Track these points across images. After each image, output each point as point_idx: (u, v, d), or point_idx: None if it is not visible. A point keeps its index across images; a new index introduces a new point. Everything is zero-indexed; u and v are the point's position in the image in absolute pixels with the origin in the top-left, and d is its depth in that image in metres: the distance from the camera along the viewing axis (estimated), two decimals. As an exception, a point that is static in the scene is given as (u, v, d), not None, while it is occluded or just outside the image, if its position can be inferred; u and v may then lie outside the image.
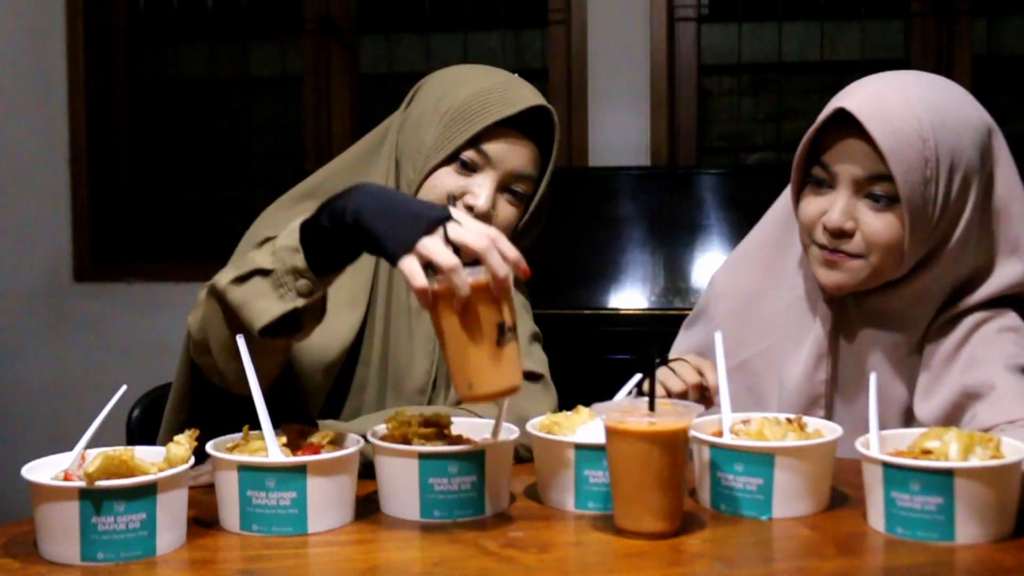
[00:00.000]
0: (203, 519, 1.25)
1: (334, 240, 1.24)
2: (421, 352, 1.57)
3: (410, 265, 1.16)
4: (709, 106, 3.77)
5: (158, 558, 1.13)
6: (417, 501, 1.24)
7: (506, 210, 1.57)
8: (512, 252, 1.18)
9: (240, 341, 1.28)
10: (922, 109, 1.45)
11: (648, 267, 3.05)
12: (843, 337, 1.57)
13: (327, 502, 1.21)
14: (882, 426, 1.43)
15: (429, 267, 1.16)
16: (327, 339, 1.50)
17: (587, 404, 1.37)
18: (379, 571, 1.12)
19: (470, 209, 1.53)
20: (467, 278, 1.14)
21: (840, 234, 1.49)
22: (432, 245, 1.15)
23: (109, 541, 1.10)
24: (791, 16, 3.60)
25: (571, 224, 3.16)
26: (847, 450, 1.27)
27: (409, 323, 1.58)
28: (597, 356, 1.68)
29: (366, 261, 1.54)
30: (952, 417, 1.48)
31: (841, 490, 1.32)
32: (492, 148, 1.54)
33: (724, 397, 1.34)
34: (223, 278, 1.32)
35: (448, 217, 1.19)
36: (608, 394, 1.62)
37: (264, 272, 1.27)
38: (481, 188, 1.54)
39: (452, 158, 1.54)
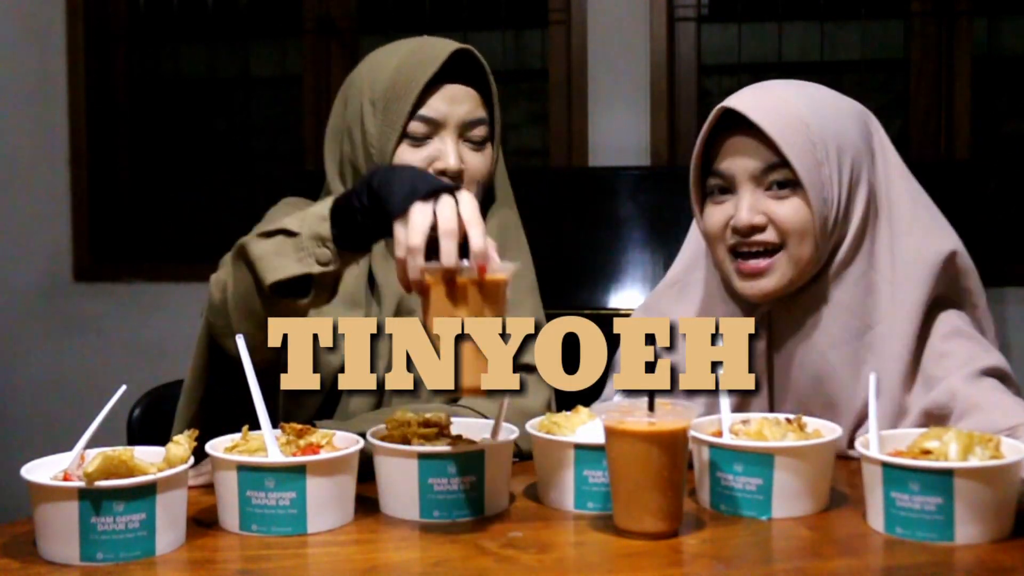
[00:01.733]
0: (203, 519, 1.25)
1: (360, 214, 1.26)
2: None
3: (397, 232, 1.19)
4: (709, 106, 3.76)
5: (157, 558, 1.13)
6: (417, 501, 1.24)
7: (475, 159, 1.61)
8: (478, 246, 1.15)
9: (240, 341, 1.28)
10: (796, 99, 1.51)
11: (648, 267, 3.05)
12: (776, 352, 1.53)
13: (326, 502, 1.21)
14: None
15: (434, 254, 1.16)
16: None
17: (587, 404, 1.37)
18: (379, 571, 1.12)
19: (443, 173, 1.56)
20: (419, 262, 1.16)
21: (752, 231, 1.49)
22: (416, 217, 1.17)
23: (108, 541, 1.10)
24: (791, 16, 3.59)
25: (571, 224, 3.15)
26: None
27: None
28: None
29: (364, 264, 1.55)
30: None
31: (841, 490, 1.33)
32: (433, 110, 1.58)
33: (723, 397, 1.34)
34: (251, 237, 1.35)
35: (447, 189, 1.20)
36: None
37: (290, 233, 1.29)
38: (444, 149, 1.58)
39: (402, 137, 1.57)
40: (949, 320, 1.51)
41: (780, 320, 1.53)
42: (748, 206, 1.49)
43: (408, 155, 1.56)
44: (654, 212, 3.15)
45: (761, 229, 1.49)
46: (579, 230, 3.13)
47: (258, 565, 1.12)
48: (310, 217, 1.29)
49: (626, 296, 3.00)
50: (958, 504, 1.13)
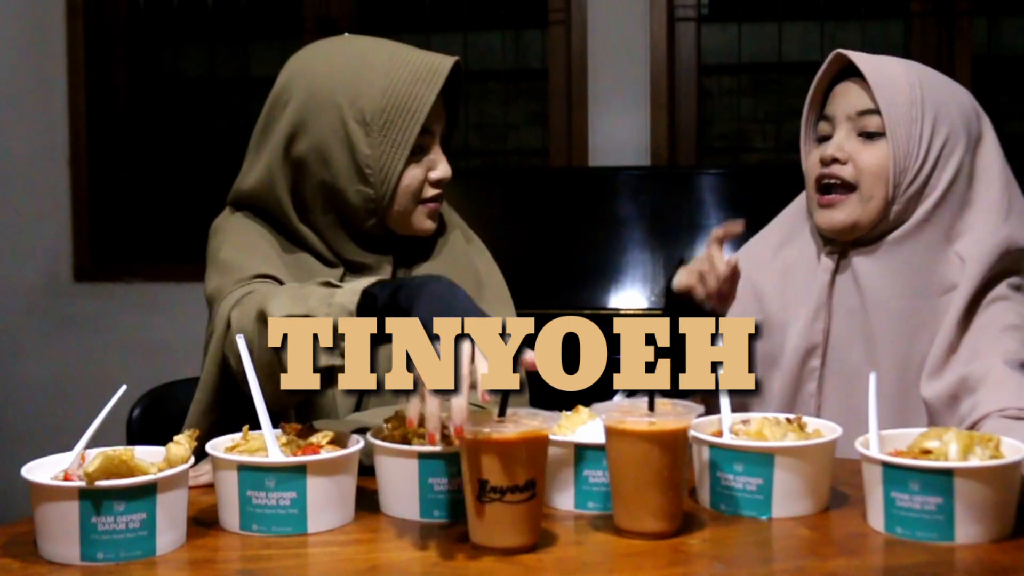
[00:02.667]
0: (203, 519, 1.25)
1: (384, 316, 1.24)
2: None
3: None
4: (709, 106, 3.77)
5: (158, 558, 1.13)
6: (417, 501, 1.25)
7: (444, 158, 1.63)
8: (459, 418, 1.13)
9: (240, 341, 1.28)
10: (910, 67, 1.64)
11: (648, 267, 3.05)
12: (841, 288, 1.64)
13: (327, 502, 1.21)
14: (879, 378, 1.50)
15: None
16: None
17: (587, 404, 1.37)
18: (379, 571, 1.12)
19: (438, 183, 1.60)
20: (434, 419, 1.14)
21: (833, 161, 1.62)
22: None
23: (109, 541, 1.10)
24: (791, 16, 3.60)
25: (571, 224, 3.16)
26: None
27: None
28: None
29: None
30: (950, 405, 1.52)
31: (841, 490, 1.33)
32: (433, 124, 1.58)
33: (723, 397, 1.34)
34: (277, 307, 1.29)
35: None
36: (608, 394, 1.62)
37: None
38: (436, 159, 1.60)
39: (410, 154, 1.56)
40: (1012, 310, 1.57)
41: (849, 260, 1.64)
42: (837, 143, 1.62)
43: (414, 171, 1.57)
44: (654, 212, 3.15)
45: (842, 163, 1.61)
46: (579, 230, 3.13)
47: (258, 565, 1.12)
48: (338, 307, 1.27)
49: (626, 296, 3.00)
50: (958, 504, 1.13)
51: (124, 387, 1.28)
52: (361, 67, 1.57)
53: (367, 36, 1.66)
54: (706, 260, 1.60)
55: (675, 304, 1.60)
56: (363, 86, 1.55)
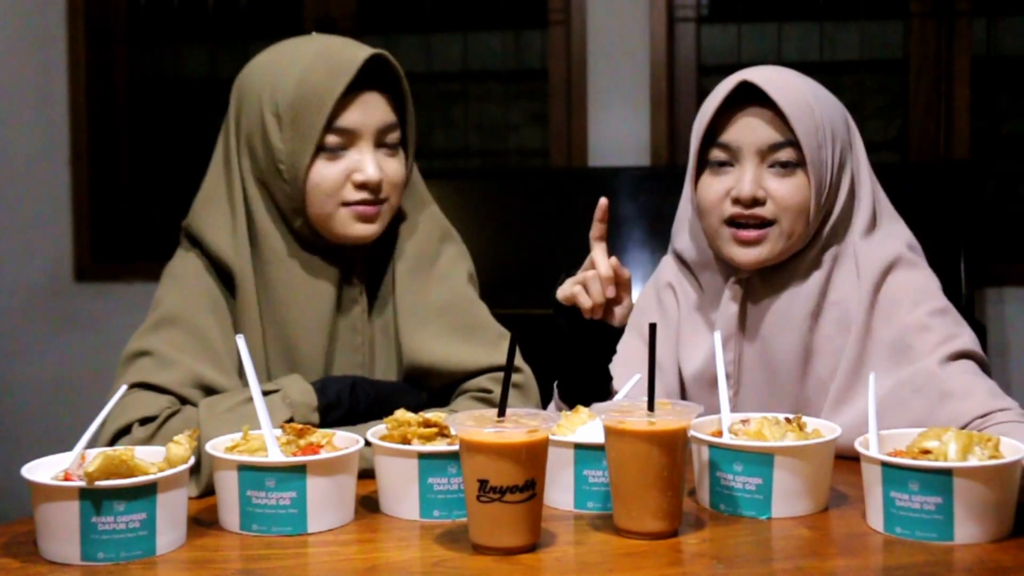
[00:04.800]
0: (203, 519, 1.25)
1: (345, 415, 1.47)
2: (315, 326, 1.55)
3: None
4: (709, 106, 3.76)
5: (158, 558, 1.13)
6: (417, 501, 1.25)
7: (391, 165, 1.54)
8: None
9: (240, 340, 1.28)
10: (802, 84, 1.57)
11: (648, 267, 3.04)
12: (749, 317, 1.59)
13: (327, 502, 1.21)
14: (781, 397, 1.55)
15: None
16: None
17: (587, 404, 1.37)
18: (379, 571, 1.12)
19: (364, 186, 1.50)
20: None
21: (753, 203, 1.54)
22: None
23: (109, 541, 1.11)
24: (791, 16, 3.60)
25: (571, 224, 3.15)
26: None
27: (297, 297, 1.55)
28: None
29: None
30: (889, 409, 1.47)
31: (840, 490, 1.33)
32: (348, 120, 1.49)
33: (723, 397, 1.34)
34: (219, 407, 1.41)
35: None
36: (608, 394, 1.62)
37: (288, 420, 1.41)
38: (362, 160, 1.51)
39: (317, 151, 1.49)
40: (933, 295, 1.55)
41: (756, 290, 1.59)
42: (752, 178, 1.54)
43: (325, 169, 1.49)
44: (654, 212, 3.15)
45: (761, 203, 1.54)
46: (579, 230, 3.12)
47: (258, 565, 1.12)
48: (301, 406, 1.43)
49: (626, 296, 3.00)
50: (957, 504, 1.13)
51: (124, 387, 1.28)
52: (288, 60, 1.52)
53: (331, 35, 1.59)
54: (588, 264, 1.56)
55: (565, 316, 1.56)
56: (281, 77, 1.51)
